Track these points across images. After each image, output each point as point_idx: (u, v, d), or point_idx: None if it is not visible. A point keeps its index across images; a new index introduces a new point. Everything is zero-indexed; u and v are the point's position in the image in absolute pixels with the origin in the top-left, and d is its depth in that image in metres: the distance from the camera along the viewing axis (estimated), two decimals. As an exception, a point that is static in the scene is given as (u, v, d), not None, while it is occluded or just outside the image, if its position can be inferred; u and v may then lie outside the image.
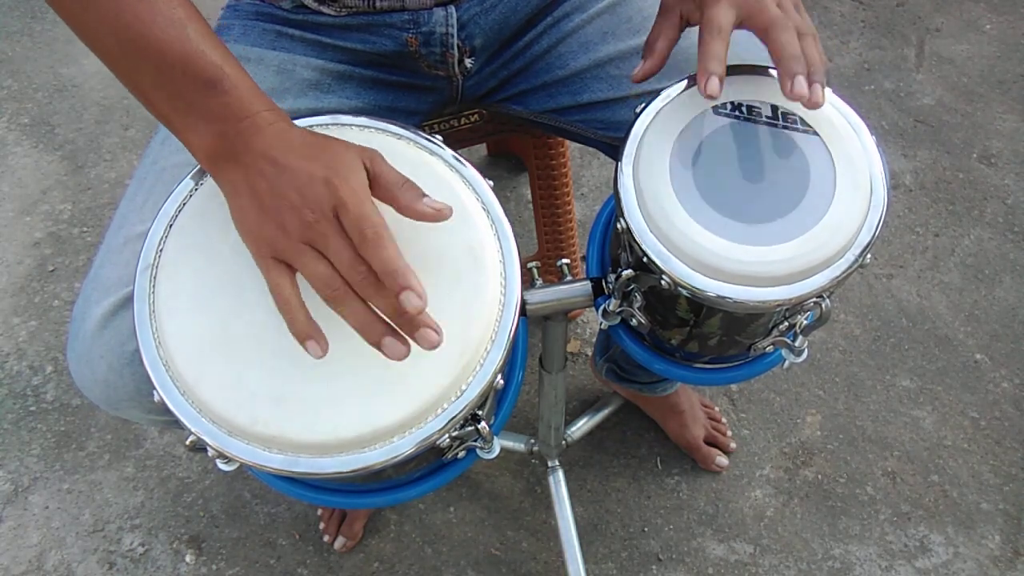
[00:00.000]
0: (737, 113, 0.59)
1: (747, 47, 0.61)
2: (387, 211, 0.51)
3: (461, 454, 0.60)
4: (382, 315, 0.46)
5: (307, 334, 0.46)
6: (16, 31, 1.74)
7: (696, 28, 0.62)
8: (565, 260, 0.73)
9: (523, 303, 0.60)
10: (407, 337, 0.46)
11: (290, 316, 0.47)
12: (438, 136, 0.60)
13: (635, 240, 0.57)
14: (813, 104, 0.54)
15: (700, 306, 0.60)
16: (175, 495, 1.18)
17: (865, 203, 0.56)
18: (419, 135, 0.59)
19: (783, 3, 0.57)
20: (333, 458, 0.49)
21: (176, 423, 0.51)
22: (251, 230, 0.49)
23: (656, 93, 0.62)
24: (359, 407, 0.49)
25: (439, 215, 0.48)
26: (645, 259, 0.57)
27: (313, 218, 0.46)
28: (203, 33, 0.50)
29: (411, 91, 0.76)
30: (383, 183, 0.49)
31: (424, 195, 0.49)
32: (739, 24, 0.57)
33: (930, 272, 1.37)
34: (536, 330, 0.83)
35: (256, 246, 0.49)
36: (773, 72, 0.60)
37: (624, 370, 1.07)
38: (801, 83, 0.53)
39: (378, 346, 0.46)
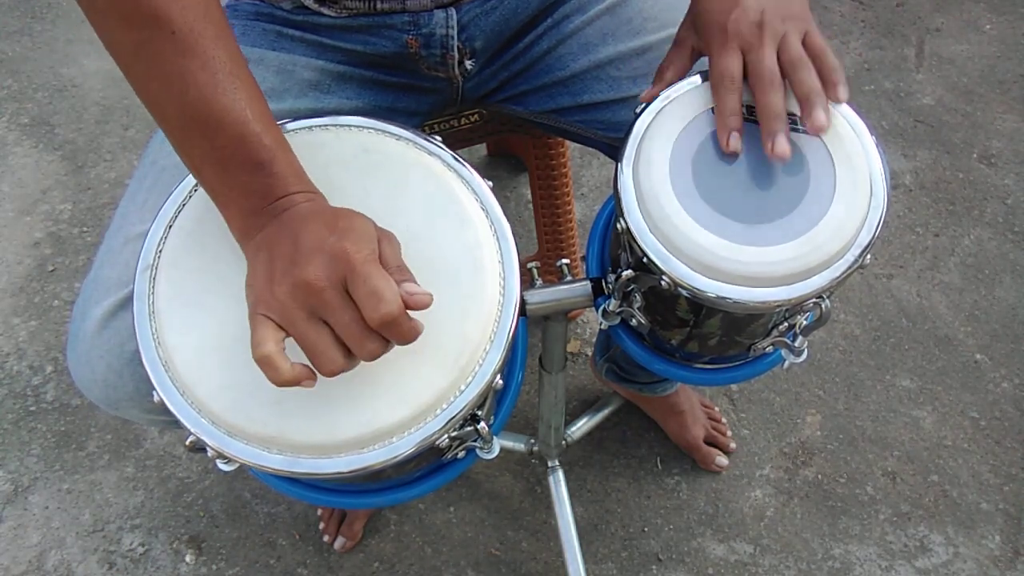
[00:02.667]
0: (737, 113, 0.59)
1: None
2: (383, 211, 0.51)
3: (461, 454, 0.60)
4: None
5: (295, 380, 0.45)
6: (16, 31, 1.74)
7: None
8: (565, 260, 0.73)
9: (523, 303, 0.60)
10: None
11: (273, 372, 0.44)
12: (437, 136, 0.60)
13: (635, 240, 0.56)
14: (816, 130, 0.56)
15: (700, 306, 0.60)
16: (175, 495, 1.18)
17: (865, 203, 0.56)
18: (418, 136, 0.59)
19: (787, 37, 0.57)
20: (333, 458, 0.49)
21: (176, 423, 0.51)
22: (257, 289, 0.47)
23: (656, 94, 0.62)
24: (358, 407, 0.50)
25: (416, 302, 0.46)
26: (645, 259, 0.57)
27: (320, 286, 0.44)
28: (261, 115, 0.50)
29: (411, 92, 0.76)
30: (382, 261, 0.47)
31: (411, 281, 0.47)
32: None
33: (930, 272, 1.37)
34: (536, 330, 0.83)
35: (255, 304, 0.47)
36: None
37: (624, 370, 1.07)
38: (780, 142, 0.55)
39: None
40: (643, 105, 0.61)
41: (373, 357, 0.46)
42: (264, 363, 0.44)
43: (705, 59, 0.61)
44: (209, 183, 0.51)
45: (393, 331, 0.45)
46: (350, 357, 0.46)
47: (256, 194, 0.49)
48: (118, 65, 0.51)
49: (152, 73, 0.49)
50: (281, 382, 0.45)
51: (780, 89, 0.56)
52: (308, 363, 0.45)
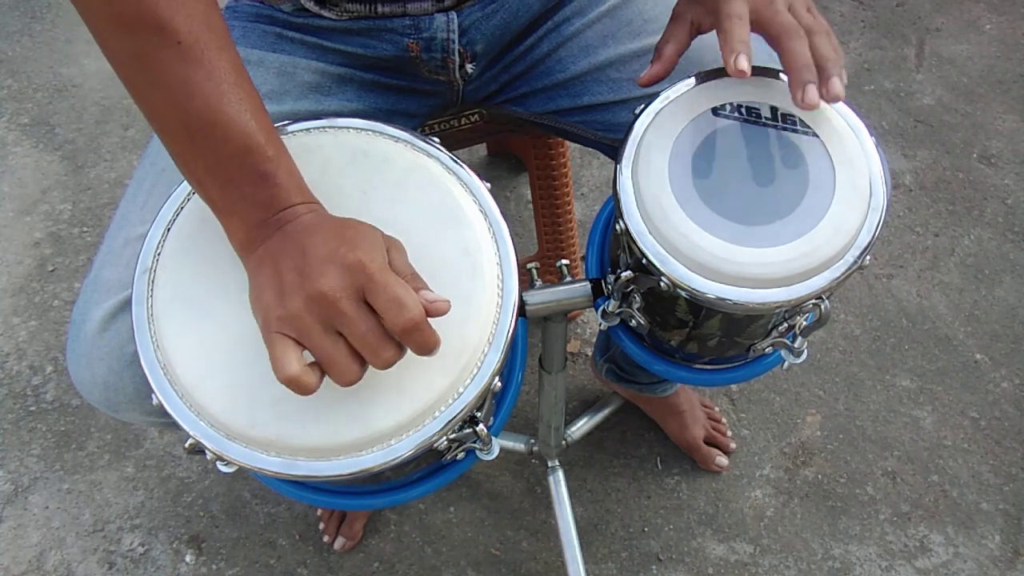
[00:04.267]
0: (736, 114, 0.59)
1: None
2: (381, 213, 0.51)
3: (460, 455, 0.60)
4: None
5: (314, 389, 0.45)
6: (16, 31, 1.74)
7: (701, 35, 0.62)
8: (565, 261, 0.73)
9: (522, 304, 0.60)
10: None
11: (304, 390, 0.44)
12: (435, 138, 0.60)
13: (634, 241, 0.56)
14: (833, 98, 0.55)
15: (699, 307, 0.60)
16: (175, 495, 1.18)
17: (864, 204, 0.56)
18: (416, 137, 0.59)
19: (794, 5, 0.57)
20: (331, 461, 0.49)
21: (175, 426, 0.51)
22: (266, 305, 0.46)
23: (656, 95, 0.62)
24: (357, 410, 0.50)
25: (436, 309, 0.46)
26: (644, 260, 0.57)
27: (335, 296, 0.44)
28: (264, 127, 0.50)
29: (412, 95, 0.76)
30: (394, 269, 0.47)
31: (427, 289, 0.47)
32: (751, 26, 0.57)
33: (930, 272, 1.37)
34: (536, 330, 0.83)
35: (266, 321, 0.46)
36: (771, 73, 0.61)
37: (624, 370, 1.07)
38: (812, 92, 0.54)
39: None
40: (642, 106, 0.61)
41: (388, 365, 0.46)
42: (293, 384, 0.44)
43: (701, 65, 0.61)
44: (210, 195, 0.50)
45: (415, 338, 0.45)
46: (364, 367, 0.46)
47: (259, 205, 0.49)
48: (117, 74, 0.50)
49: (155, 83, 0.48)
50: (311, 394, 0.45)
51: (805, 39, 0.55)
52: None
